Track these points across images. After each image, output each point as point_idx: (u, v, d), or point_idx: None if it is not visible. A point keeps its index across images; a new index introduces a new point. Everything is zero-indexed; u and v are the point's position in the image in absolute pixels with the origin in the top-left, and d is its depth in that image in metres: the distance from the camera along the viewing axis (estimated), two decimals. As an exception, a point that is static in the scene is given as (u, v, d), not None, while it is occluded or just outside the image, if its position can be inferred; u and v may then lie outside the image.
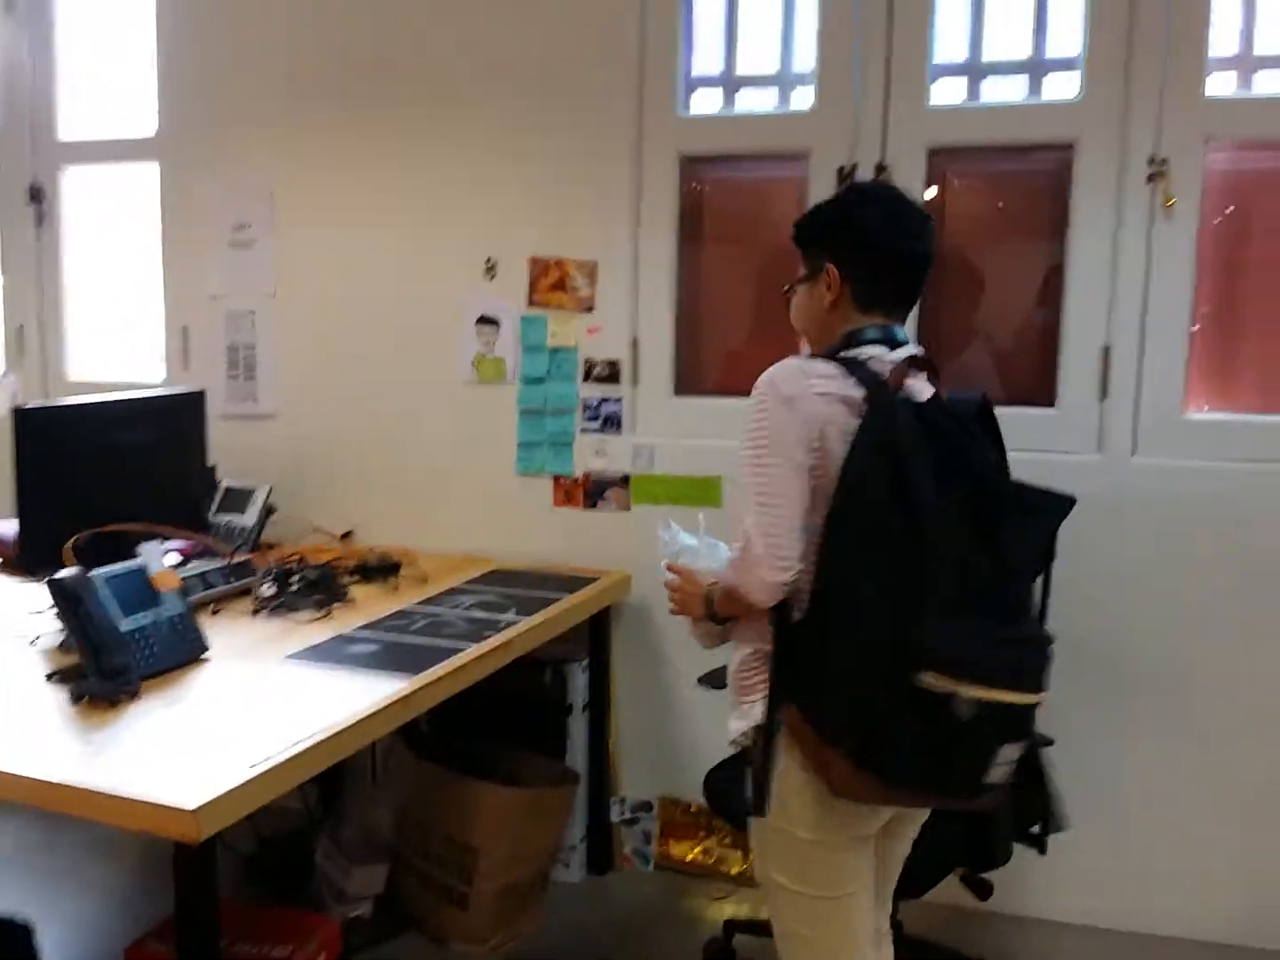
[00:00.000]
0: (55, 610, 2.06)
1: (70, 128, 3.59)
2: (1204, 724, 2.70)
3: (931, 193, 2.77)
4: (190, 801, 1.59)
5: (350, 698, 1.99)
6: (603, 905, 2.95)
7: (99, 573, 2.10)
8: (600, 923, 2.85)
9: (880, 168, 2.75)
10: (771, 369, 1.75)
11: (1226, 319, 2.70)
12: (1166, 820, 2.75)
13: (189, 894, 1.70)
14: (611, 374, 3.02)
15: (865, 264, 1.80)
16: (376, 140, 3.16)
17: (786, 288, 1.91)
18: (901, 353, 1.77)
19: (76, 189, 3.63)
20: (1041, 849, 2.39)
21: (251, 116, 3.29)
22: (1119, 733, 2.75)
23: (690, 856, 3.09)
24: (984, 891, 2.35)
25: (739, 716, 1.76)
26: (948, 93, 2.77)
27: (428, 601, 2.65)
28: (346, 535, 3.26)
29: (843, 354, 1.76)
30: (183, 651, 2.16)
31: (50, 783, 1.68)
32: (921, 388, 1.75)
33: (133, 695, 1.97)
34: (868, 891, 1.80)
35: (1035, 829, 2.39)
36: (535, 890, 2.82)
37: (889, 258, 1.80)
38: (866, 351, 1.76)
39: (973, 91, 2.79)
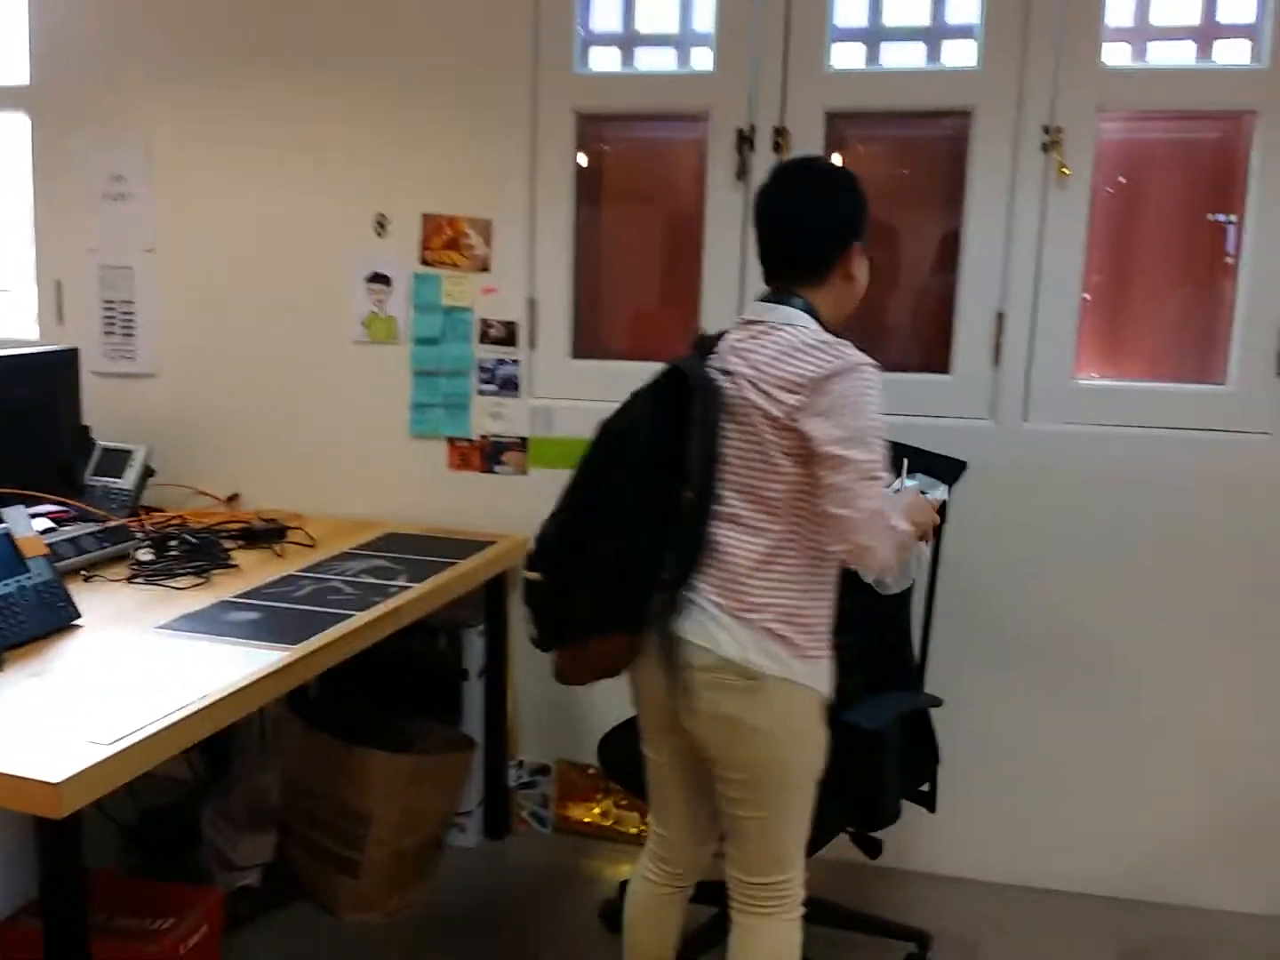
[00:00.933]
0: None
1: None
2: (1091, 683, 2.76)
3: (836, 160, 2.77)
4: (53, 775, 1.53)
5: (227, 668, 1.93)
6: (499, 869, 2.93)
7: (-43, 538, 2.00)
8: (495, 886, 2.84)
9: (779, 131, 2.73)
10: None
11: (1116, 288, 2.74)
12: (1051, 777, 2.82)
13: (54, 869, 1.64)
14: (508, 335, 2.97)
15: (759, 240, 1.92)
16: (261, 91, 3.04)
17: None
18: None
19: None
20: (931, 807, 2.45)
21: (129, 66, 3.13)
22: (1009, 692, 2.81)
23: (588, 819, 3.09)
24: (874, 850, 2.38)
25: None
26: (847, 57, 2.76)
27: (315, 567, 2.59)
28: (232, 498, 3.17)
29: None
30: (50, 620, 2.07)
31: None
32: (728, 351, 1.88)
33: (-6, 666, 1.89)
34: (660, 772, 2.03)
35: (924, 787, 2.44)
36: (428, 857, 2.79)
37: (761, 235, 1.91)
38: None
39: (872, 57, 2.78)
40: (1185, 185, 2.69)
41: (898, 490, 1.89)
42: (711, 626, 1.82)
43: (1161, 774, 2.76)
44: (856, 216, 1.87)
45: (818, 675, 1.85)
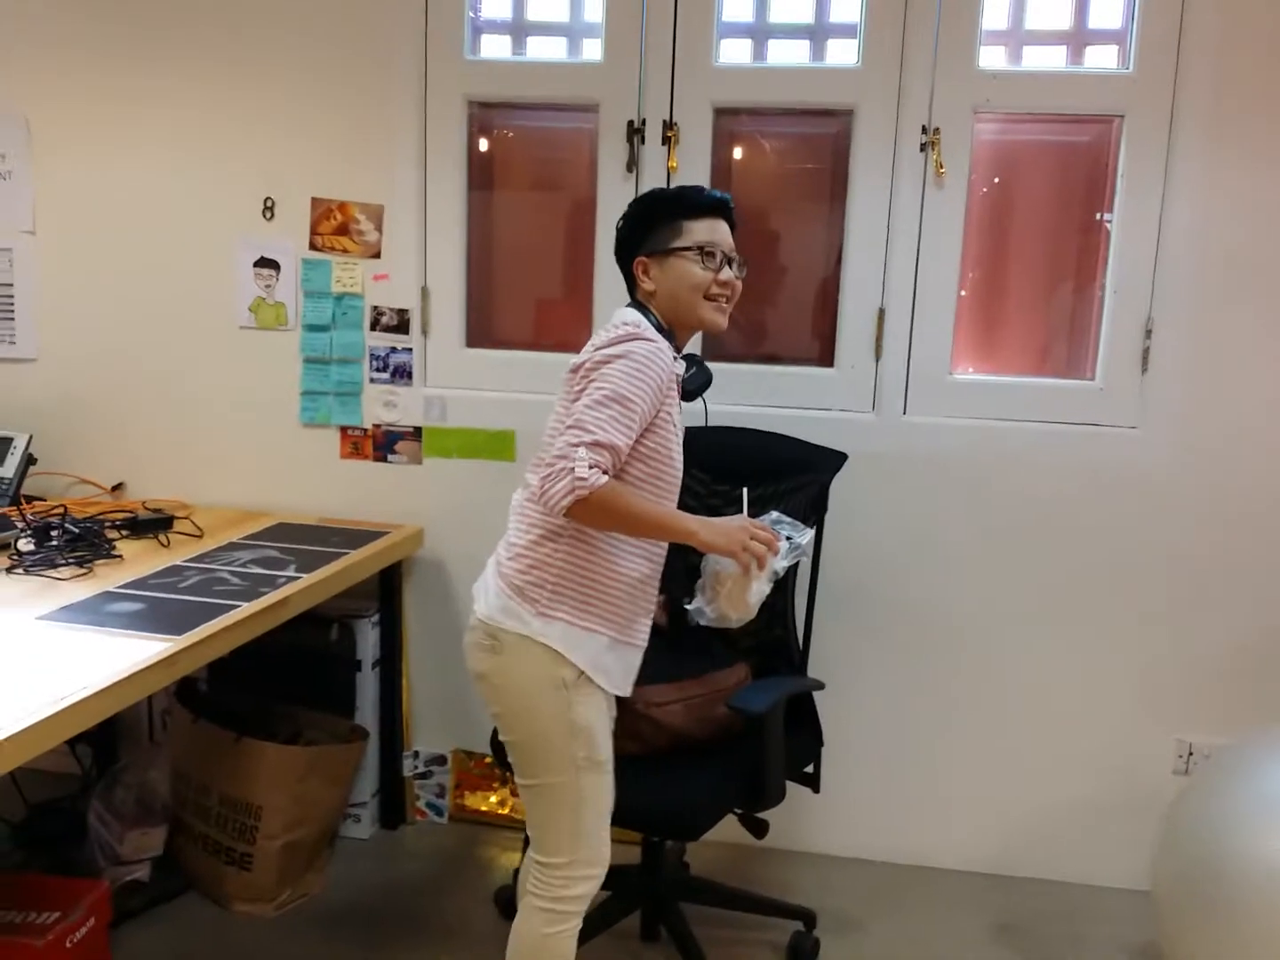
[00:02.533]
0: None
1: None
2: (967, 667, 2.87)
3: (738, 154, 2.82)
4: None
5: (108, 659, 1.91)
6: (393, 859, 2.93)
7: None
8: (390, 876, 2.84)
9: (668, 124, 2.77)
10: None
11: (991, 286, 2.84)
12: (930, 758, 2.92)
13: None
14: (401, 323, 2.96)
15: None
16: (146, 72, 2.97)
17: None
18: None
19: None
20: (815, 788, 2.52)
21: (9, 41, 3.03)
22: (888, 675, 2.90)
23: (484, 807, 3.11)
24: (760, 830, 2.43)
25: None
26: (734, 53, 2.80)
27: (202, 558, 2.56)
28: (117, 488, 3.11)
29: None
30: (-78, 613, 2.03)
31: None
32: None
33: None
34: None
35: (809, 769, 2.51)
36: (321, 848, 2.78)
37: None
38: None
39: (759, 53, 2.82)
40: (1058, 186, 2.79)
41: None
42: (480, 586, 1.96)
43: (1033, 754, 2.88)
44: (628, 237, 2.04)
45: (564, 638, 1.86)
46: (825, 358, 2.85)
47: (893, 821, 2.97)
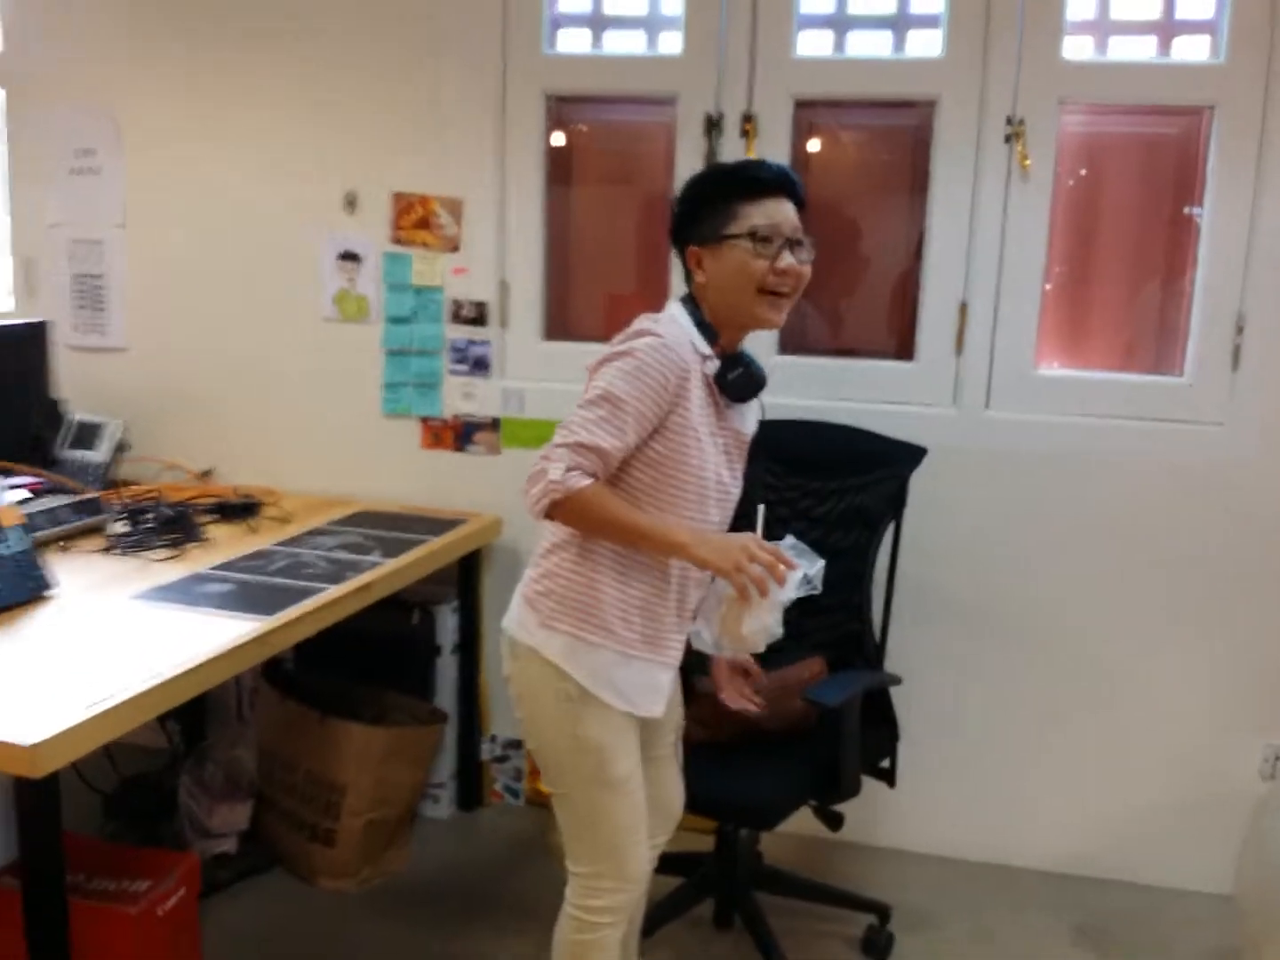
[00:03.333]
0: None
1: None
2: (1046, 663, 2.83)
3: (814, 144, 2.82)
4: (28, 737, 1.57)
5: (201, 637, 1.97)
6: (471, 840, 2.98)
7: (-68, 508, 2.03)
8: (467, 857, 2.89)
9: (747, 117, 2.77)
10: None
11: (1077, 279, 2.80)
12: (1009, 756, 2.89)
13: (32, 830, 1.68)
14: (479, 316, 3.00)
15: None
16: (232, 68, 3.05)
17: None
18: None
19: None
20: (891, 782, 2.51)
21: (101, 37, 3.13)
22: (967, 671, 2.87)
23: (557, 793, 3.13)
24: (835, 823, 2.44)
25: None
26: (814, 44, 2.79)
27: (289, 542, 2.62)
28: (206, 474, 3.19)
29: None
30: (25, 589, 2.11)
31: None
32: None
33: (-29, 634, 1.92)
34: None
35: (884, 763, 2.50)
36: (401, 827, 2.84)
37: None
38: None
39: (839, 44, 2.81)
40: (1146, 179, 2.75)
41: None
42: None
43: (1115, 753, 2.84)
44: (681, 222, 1.85)
45: (565, 651, 1.78)
46: (904, 351, 2.83)
47: (970, 819, 2.94)
